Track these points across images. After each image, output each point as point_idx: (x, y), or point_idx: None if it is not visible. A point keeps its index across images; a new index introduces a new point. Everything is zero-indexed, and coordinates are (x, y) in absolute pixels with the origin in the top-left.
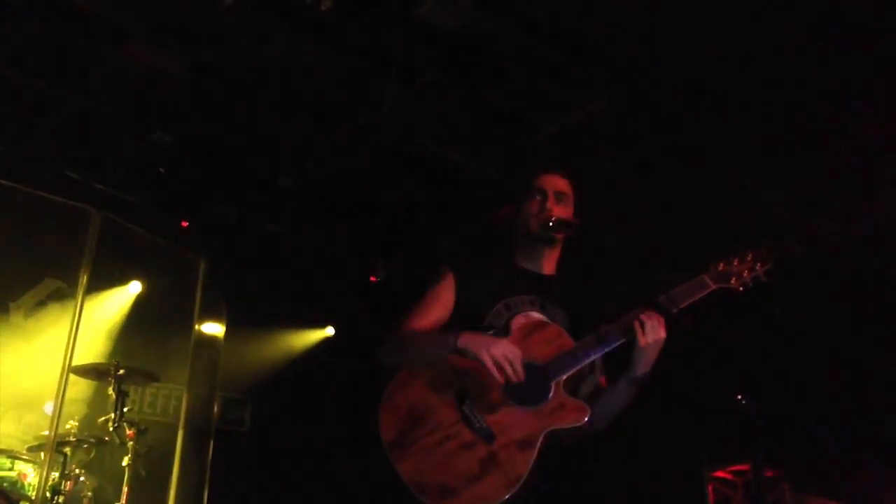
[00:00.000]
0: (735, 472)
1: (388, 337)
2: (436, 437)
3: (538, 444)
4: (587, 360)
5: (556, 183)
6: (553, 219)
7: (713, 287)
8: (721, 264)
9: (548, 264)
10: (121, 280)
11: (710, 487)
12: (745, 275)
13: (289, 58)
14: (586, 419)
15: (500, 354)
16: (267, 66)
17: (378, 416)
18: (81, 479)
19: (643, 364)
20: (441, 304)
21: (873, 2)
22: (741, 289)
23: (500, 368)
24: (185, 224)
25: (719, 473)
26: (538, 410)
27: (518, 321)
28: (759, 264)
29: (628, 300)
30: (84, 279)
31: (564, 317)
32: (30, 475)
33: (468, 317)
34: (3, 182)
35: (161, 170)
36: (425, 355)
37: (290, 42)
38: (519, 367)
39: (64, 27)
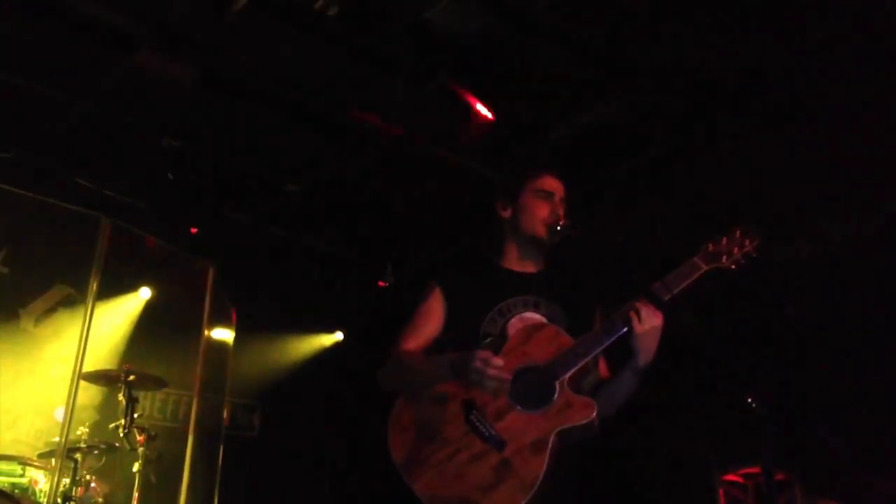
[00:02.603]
0: (746, 475)
1: (384, 361)
2: (447, 451)
3: (550, 446)
4: (589, 357)
5: (558, 185)
6: (563, 224)
7: (705, 268)
8: (710, 245)
9: (538, 263)
10: (130, 286)
11: (720, 491)
12: (735, 252)
13: (296, 63)
14: (594, 415)
15: (476, 368)
16: (275, 72)
17: (387, 437)
18: (92, 485)
19: (644, 352)
20: (432, 319)
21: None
22: (733, 267)
23: (485, 376)
24: (194, 230)
25: (730, 476)
26: (546, 412)
27: (514, 325)
28: (747, 240)
29: (623, 290)
30: (94, 285)
31: (560, 312)
32: (41, 481)
33: (462, 328)
34: (14, 189)
35: (170, 176)
36: (426, 384)
37: (297, 48)
38: (499, 367)
39: (74, 35)
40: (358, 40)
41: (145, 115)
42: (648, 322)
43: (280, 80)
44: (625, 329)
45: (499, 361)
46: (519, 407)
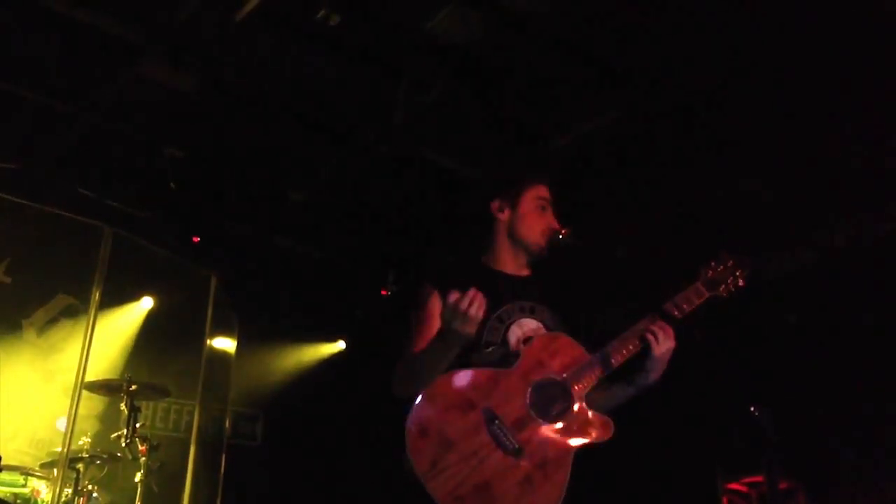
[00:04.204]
0: (750, 484)
1: (396, 371)
2: (470, 462)
3: (571, 461)
4: (607, 373)
5: (550, 194)
6: (564, 233)
7: (707, 295)
8: (709, 271)
9: (529, 267)
10: (133, 296)
11: (724, 499)
12: (729, 282)
13: (299, 72)
14: (611, 435)
15: (451, 306)
16: (277, 82)
17: (406, 443)
18: (94, 495)
19: (656, 372)
20: (434, 324)
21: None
22: (726, 295)
23: (464, 306)
24: (196, 239)
25: (734, 485)
26: (565, 426)
27: (513, 332)
28: (739, 270)
29: (633, 306)
30: (96, 295)
31: (554, 317)
32: (43, 491)
33: None
34: (16, 199)
35: (172, 185)
36: (433, 367)
37: (300, 57)
38: (477, 299)
39: (76, 45)
40: (359, 48)
41: (147, 125)
42: (666, 344)
43: (282, 89)
44: (640, 348)
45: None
46: (539, 418)
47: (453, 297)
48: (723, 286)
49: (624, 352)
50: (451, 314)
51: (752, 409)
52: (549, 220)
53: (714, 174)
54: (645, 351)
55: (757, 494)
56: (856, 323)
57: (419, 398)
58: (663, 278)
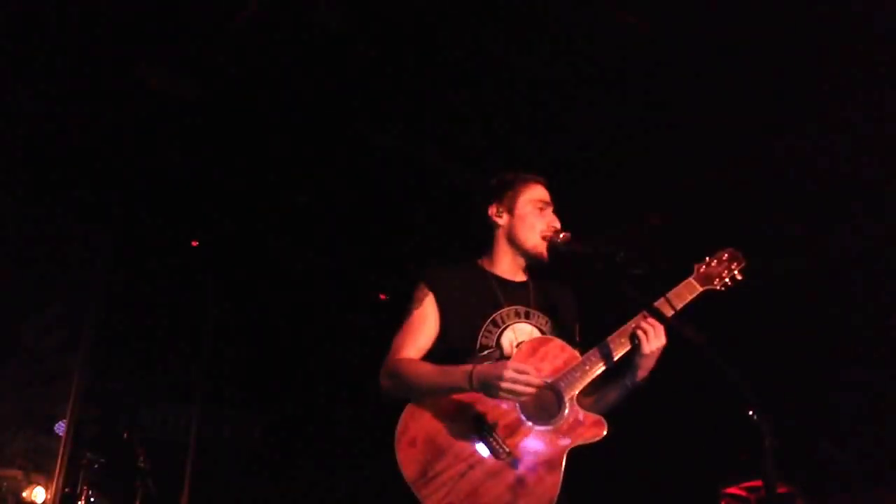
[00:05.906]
0: (748, 489)
1: (385, 368)
2: (460, 468)
3: (563, 464)
4: (598, 374)
5: (548, 194)
6: (563, 237)
7: (701, 289)
8: (702, 266)
9: (526, 272)
10: None
11: (723, 503)
12: (724, 275)
13: (298, 76)
14: (604, 433)
15: (511, 377)
16: (277, 86)
17: (395, 452)
18: (92, 499)
19: (644, 370)
20: (428, 324)
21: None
22: (722, 289)
23: (518, 389)
24: (195, 243)
25: (732, 490)
26: (557, 428)
27: (507, 336)
28: (734, 263)
29: (625, 304)
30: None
31: (549, 322)
32: (42, 495)
33: (459, 338)
34: (15, 203)
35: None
36: (437, 394)
37: (299, 61)
38: (535, 377)
39: (76, 50)
40: (360, 53)
41: (147, 129)
42: (656, 342)
43: (282, 93)
44: (629, 347)
45: (529, 368)
46: (530, 423)
47: (523, 370)
48: (717, 279)
49: (615, 352)
50: (502, 377)
51: (750, 413)
52: (550, 220)
53: (712, 174)
54: (635, 349)
55: (756, 499)
56: (856, 328)
57: (408, 406)
58: (660, 278)
